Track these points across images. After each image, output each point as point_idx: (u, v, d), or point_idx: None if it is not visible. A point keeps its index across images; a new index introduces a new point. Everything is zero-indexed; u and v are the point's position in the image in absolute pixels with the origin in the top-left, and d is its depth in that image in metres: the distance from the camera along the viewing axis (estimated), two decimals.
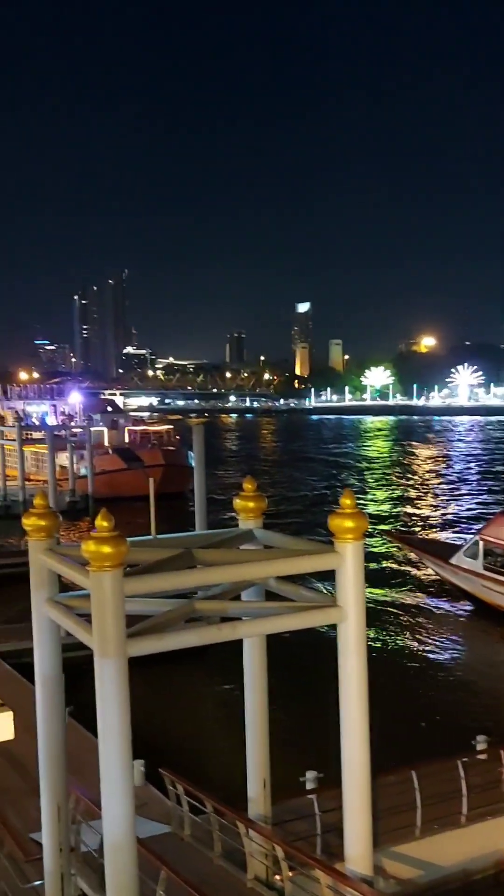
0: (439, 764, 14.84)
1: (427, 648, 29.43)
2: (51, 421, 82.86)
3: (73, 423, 78.50)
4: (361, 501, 66.85)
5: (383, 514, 62.10)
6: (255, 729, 12.57)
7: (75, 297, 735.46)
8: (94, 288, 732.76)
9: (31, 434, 72.15)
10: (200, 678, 25.45)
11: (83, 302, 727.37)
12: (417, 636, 30.89)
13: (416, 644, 29.97)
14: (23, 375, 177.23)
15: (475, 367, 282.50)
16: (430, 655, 28.68)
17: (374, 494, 73.54)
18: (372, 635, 30.26)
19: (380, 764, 12.95)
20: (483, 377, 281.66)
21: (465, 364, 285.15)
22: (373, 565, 42.19)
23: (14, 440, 67.67)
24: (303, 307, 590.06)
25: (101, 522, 8.67)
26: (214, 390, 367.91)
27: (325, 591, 11.90)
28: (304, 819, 13.30)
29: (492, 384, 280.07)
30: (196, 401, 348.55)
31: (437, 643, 30.01)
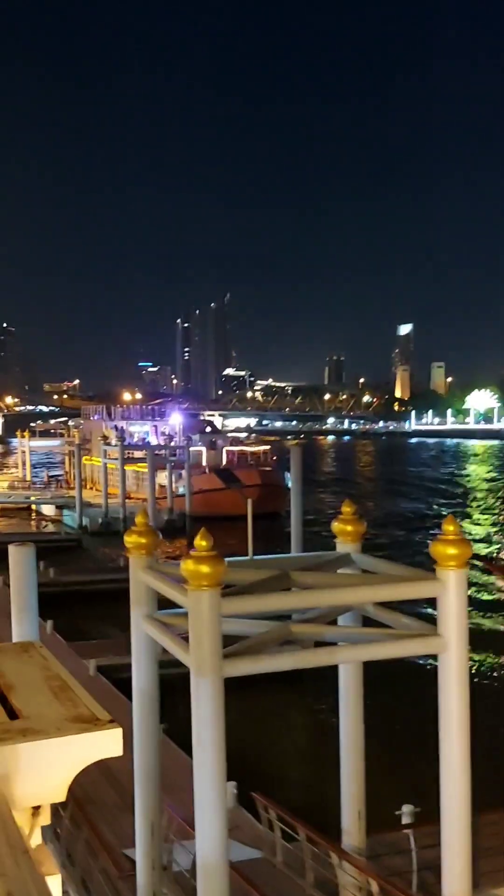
0: None
1: None
2: (152, 441, 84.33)
3: (172, 443, 79.69)
4: (464, 529, 65.37)
5: (487, 541, 60.52)
6: (350, 758, 12.30)
7: (178, 321, 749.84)
8: (197, 312, 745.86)
9: (132, 453, 73.57)
10: (295, 704, 25.21)
11: (185, 325, 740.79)
12: None
13: None
14: (126, 396, 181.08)
15: None
16: None
17: (476, 521, 71.79)
18: (474, 666, 29.39)
19: (481, 801, 12.49)
20: None
21: None
22: (475, 594, 41.13)
23: (116, 459, 69.12)
24: (405, 329, 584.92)
25: (200, 542, 8.67)
26: (312, 412, 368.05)
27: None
28: (399, 854, 12.93)
29: None
30: (294, 422, 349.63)
31: None
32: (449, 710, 10.09)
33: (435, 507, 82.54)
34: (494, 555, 54.41)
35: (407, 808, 14.51)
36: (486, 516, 76.39)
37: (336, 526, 12.14)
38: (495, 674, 29.20)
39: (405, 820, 14.28)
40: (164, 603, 10.47)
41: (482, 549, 56.88)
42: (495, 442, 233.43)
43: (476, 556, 52.82)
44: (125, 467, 69.11)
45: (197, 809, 8.75)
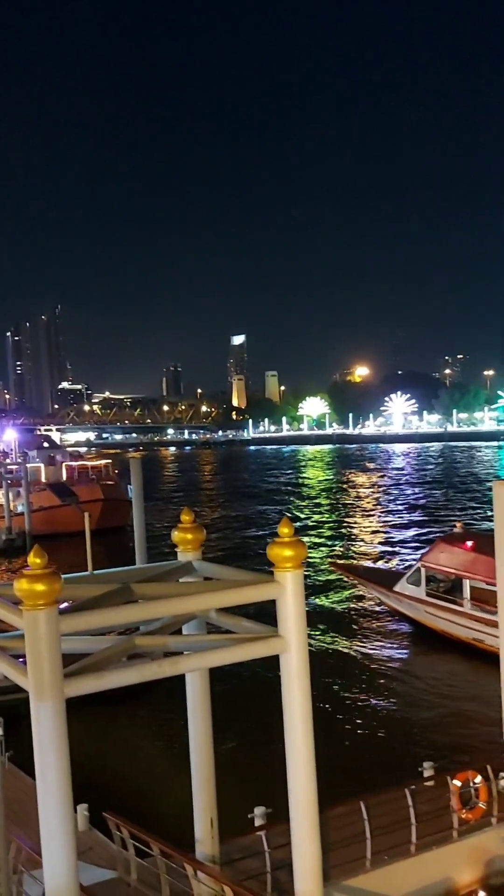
0: (387, 793, 14.72)
1: (372, 676, 29.40)
2: None
3: (8, 461, 77.22)
4: (303, 531, 67.00)
5: (325, 542, 62.25)
6: (200, 766, 12.32)
7: (7, 334, 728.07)
8: (27, 324, 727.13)
9: None
10: (147, 717, 24.99)
11: (16, 338, 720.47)
12: (362, 664, 30.87)
13: (360, 672, 29.92)
14: None
15: (408, 395, 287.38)
16: (375, 683, 28.64)
17: (315, 524, 73.71)
18: (316, 665, 30.10)
19: (328, 796, 12.80)
20: (416, 405, 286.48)
21: (398, 392, 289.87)
22: (317, 595, 42.17)
23: None
24: (238, 339, 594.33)
25: (34, 559, 8.42)
26: (152, 423, 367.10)
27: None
28: (253, 857, 13.04)
29: (424, 412, 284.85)
30: (134, 434, 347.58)
31: (382, 670, 30.01)
32: (292, 708, 10.30)
33: (275, 511, 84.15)
34: (336, 553, 56.08)
35: (259, 811, 14.67)
36: (325, 517, 78.62)
37: (176, 535, 12.15)
38: (336, 671, 30.04)
39: (258, 822, 14.43)
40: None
41: (325, 548, 58.53)
42: (328, 447, 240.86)
43: (320, 556, 54.29)
44: None
45: (43, 836, 8.48)
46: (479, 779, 15.12)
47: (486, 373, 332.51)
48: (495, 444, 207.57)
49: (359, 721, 25.06)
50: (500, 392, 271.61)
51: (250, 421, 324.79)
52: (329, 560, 50.24)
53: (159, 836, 13.02)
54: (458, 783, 14.93)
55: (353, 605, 39.89)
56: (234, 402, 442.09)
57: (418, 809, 14.20)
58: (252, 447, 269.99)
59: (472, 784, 15.07)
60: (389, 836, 13.87)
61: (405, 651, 32.89)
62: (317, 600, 41.02)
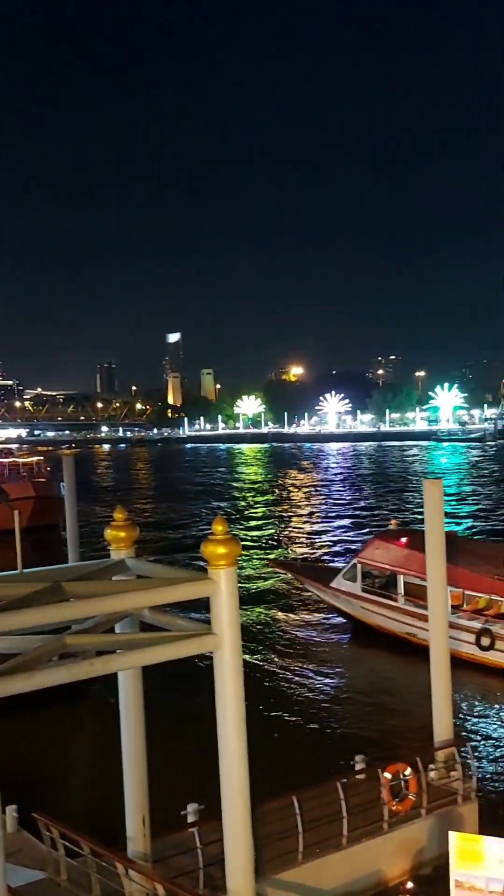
0: (320, 787, 14.87)
1: (307, 671, 29.65)
2: None
3: None
4: (240, 529, 67.19)
5: (263, 540, 62.51)
6: (132, 764, 12.28)
7: None
8: None
9: None
10: (79, 717, 24.75)
11: None
12: (298, 660, 31.10)
13: (296, 668, 30.15)
14: None
15: (342, 394, 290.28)
16: (310, 678, 28.91)
17: (252, 522, 73.94)
18: (252, 662, 30.29)
19: (261, 791, 12.89)
20: (350, 405, 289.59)
21: (333, 392, 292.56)
22: (254, 592, 42.33)
23: None
24: (173, 337, 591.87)
25: None
26: (85, 420, 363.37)
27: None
28: (185, 854, 13.04)
29: (358, 411, 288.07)
30: (67, 432, 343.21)
31: (317, 666, 30.29)
32: (225, 705, 10.36)
33: (211, 509, 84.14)
34: (274, 550, 56.32)
35: (192, 807, 14.66)
36: (262, 515, 78.96)
37: (109, 533, 12.09)
38: (270, 667, 30.22)
39: (190, 819, 14.43)
40: None
41: (262, 546, 58.78)
42: (263, 445, 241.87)
43: (257, 553, 54.50)
44: None
45: None
46: (408, 771, 15.39)
47: (417, 374, 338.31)
48: (426, 443, 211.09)
49: (293, 716, 25.26)
50: (431, 393, 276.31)
51: (186, 419, 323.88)
52: (267, 558, 50.46)
53: (91, 835, 12.94)
54: (388, 776, 15.17)
55: (290, 602, 40.15)
56: (170, 400, 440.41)
57: (350, 802, 14.38)
58: (188, 445, 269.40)
59: (402, 776, 15.33)
60: (321, 829, 14.02)
61: (340, 646, 33.26)
62: (253, 597, 41.16)
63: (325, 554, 55.80)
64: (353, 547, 52.99)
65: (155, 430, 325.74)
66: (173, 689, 25.39)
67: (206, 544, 10.32)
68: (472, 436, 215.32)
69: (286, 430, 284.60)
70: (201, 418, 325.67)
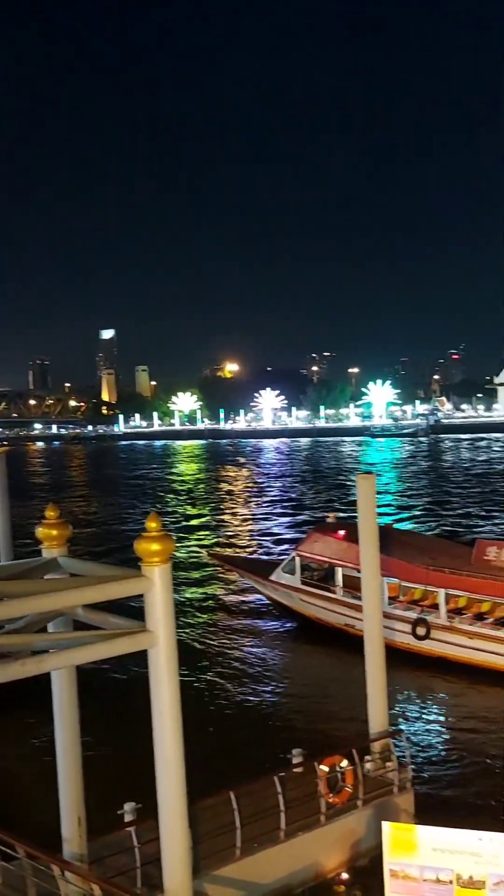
0: (257, 782, 14.88)
1: (245, 666, 29.69)
2: None
3: None
4: (179, 524, 66.97)
5: (202, 535, 62.42)
6: (67, 765, 12.11)
7: None
8: None
9: None
10: (10, 718, 24.32)
11: None
12: (235, 655, 31.13)
13: (234, 662, 30.17)
14: None
15: (277, 391, 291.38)
16: (249, 672, 28.95)
17: (191, 517, 73.81)
18: (188, 657, 30.19)
19: (199, 788, 12.85)
20: (285, 401, 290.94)
21: (268, 388, 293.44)
22: (193, 586, 42.27)
23: None
24: (107, 334, 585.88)
25: None
26: (18, 418, 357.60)
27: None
28: (123, 853, 12.92)
29: (293, 407, 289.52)
30: None
31: (256, 660, 30.37)
32: (160, 702, 10.28)
33: (147, 506, 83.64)
34: (213, 545, 56.21)
35: (129, 806, 14.53)
36: (200, 510, 78.81)
37: (41, 531, 11.88)
38: (208, 662, 30.18)
39: (127, 818, 14.29)
40: None
41: (201, 541, 58.66)
42: (200, 442, 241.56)
43: (196, 548, 54.40)
44: None
45: None
46: (345, 763, 15.51)
47: (351, 370, 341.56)
48: (360, 439, 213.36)
49: (230, 712, 25.26)
50: (364, 389, 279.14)
51: (121, 416, 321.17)
52: (207, 552, 50.41)
53: (26, 838, 12.71)
54: (325, 768, 15.27)
55: (229, 596, 40.22)
56: (105, 397, 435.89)
57: (287, 796, 14.43)
58: (123, 442, 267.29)
59: (338, 769, 15.44)
60: (259, 824, 14.04)
61: (279, 639, 33.41)
62: (192, 592, 41.13)
63: (264, 548, 55.99)
64: (291, 541, 53.23)
65: (90, 428, 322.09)
66: (109, 687, 25.20)
67: (139, 541, 10.21)
68: (405, 431, 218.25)
69: (222, 426, 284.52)
70: (136, 415, 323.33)
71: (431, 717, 24.63)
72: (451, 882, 10.42)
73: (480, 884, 10.27)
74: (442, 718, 24.72)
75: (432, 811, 16.07)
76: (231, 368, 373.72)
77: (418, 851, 10.61)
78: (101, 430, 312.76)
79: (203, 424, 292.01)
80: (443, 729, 23.88)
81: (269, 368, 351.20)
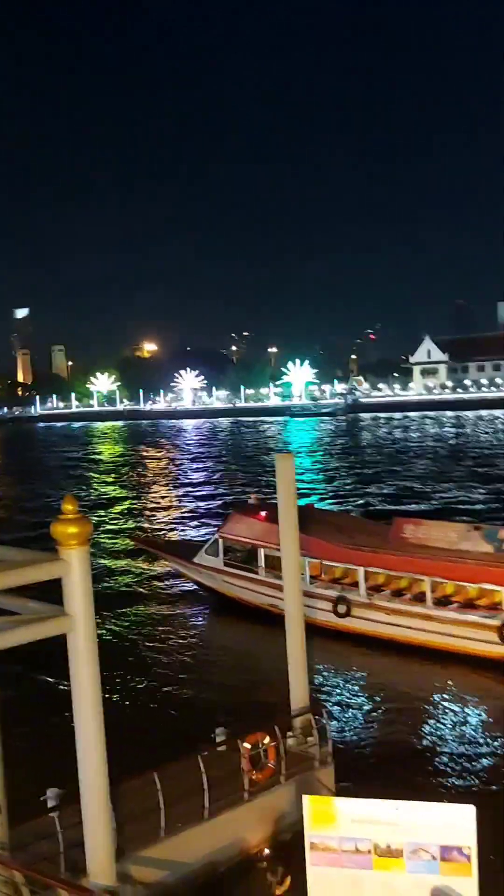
0: (181, 762, 14.94)
1: (168, 648, 29.68)
2: None
3: None
4: (99, 508, 66.31)
5: (123, 518, 61.98)
6: None
7: None
8: None
9: None
10: None
11: None
12: (158, 637, 31.10)
13: (157, 645, 30.14)
14: None
15: (197, 371, 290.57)
16: (171, 654, 28.96)
17: (111, 500, 73.09)
18: (110, 641, 30.06)
19: (122, 770, 12.83)
20: (205, 381, 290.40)
21: (188, 368, 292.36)
22: (113, 570, 41.97)
23: None
24: (21, 312, 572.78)
25: None
26: None
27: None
28: (46, 839, 12.81)
29: (214, 388, 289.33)
30: None
31: (178, 641, 30.38)
32: (80, 687, 10.20)
33: (66, 488, 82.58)
34: (135, 528, 55.83)
35: (52, 792, 14.40)
36: (121, 493, 78.17)
37: None
38: (131, 646, 30.08)
39: (50, 803, 14.18)
40: None
41: (122, 524, 58.22)
42: (119, 423, 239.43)
43: (117, 531, 53.98)
44: None
45: None
46: (267, 739, 15.68)
47: (270, 350, 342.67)
48: (280, 418, 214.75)
49: (154, 693, 25.24)
50: (283, 369, 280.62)
51: (38, 397, 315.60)
52: (129, 535, 50.03)
53: None
54: (248, 746, 15.41)
55: (151, 579, 40.05)
56: (20, 378, 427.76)
57: (211, 775, 14.52)
58: (40, 424, 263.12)
59: (261, 746, 15.60)
60: (183, 804, 14.10)
61: (203, 621, 33.50)
62: (114, 576, 40.84)
63: (187, 530, 55.92)
64: (213, 522, 53.29)
65: (5, 409, 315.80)
66: (29, 673, 24.90)
67: (55, 524, 10.08)
68: (324, 411, 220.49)
69: (142, 407, 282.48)
70: (54, 396, 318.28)
71: (352, 692, 25.09)
72: (369, 851, 10.66)
73: (398, 852, 10.54)
74: (361, 693, 25.21)
75: (353, 783, 16.40)
76: (150, 348, 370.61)
77: (337, 823, 10.81)
78: (16, 412, 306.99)
79: (122, 405, 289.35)
80: (362, 703, 24.36)
81: (188, 348, 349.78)
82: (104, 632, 31.66)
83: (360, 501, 64.20)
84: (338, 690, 25.11)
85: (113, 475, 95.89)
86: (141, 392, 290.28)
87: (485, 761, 19.98)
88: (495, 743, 21.07)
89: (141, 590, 38.45)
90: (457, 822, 10.36)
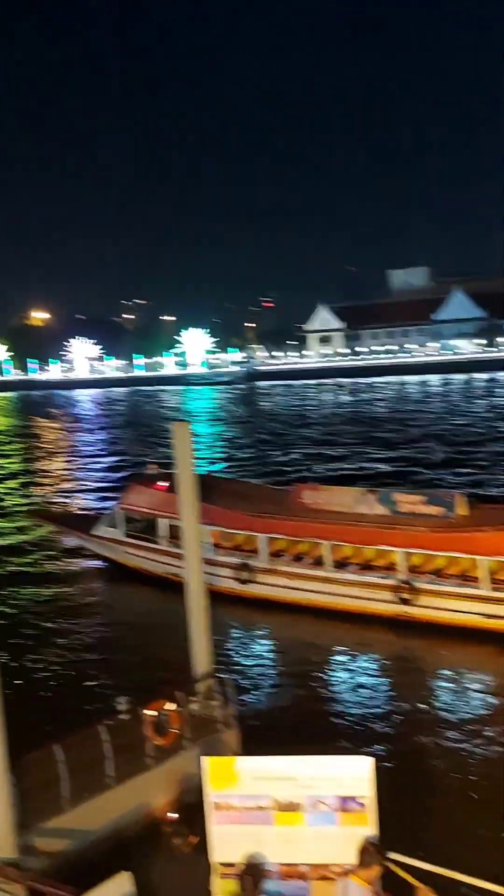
0: (83, 733, 14.91)
1: (68, 621, 29.43)
2: None
3: None
4: None
5: (18, 492, 60.73)
6: None
7: None
8: None
9: None
10: None
11: None
12: (59, 610, 30.79)
13: (57, 617, 29.84)
14: None
15: (93, 339, 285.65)
16: (72, 627, 28.74)
17: (4, 476, 71.41)
18: (6, 616, 29.66)
19: (22, 745, 12.77)
20: (101, 349, 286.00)
21: (80, 337, 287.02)
22: (11, 547, 41.21)
23: None
24: None
25: None
26: None
27: None
28: None
29: (108, 356, 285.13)
30: None
31: (79, 614, 30.17)
32: None
33: None
34: (32, 502, 54.80)
35: None
36: (14, 466, 76.53)
37: None
38: (31, 620, 29.73)
39: None
40: None
41: (18, 498, 57.05)
42: (9, 394, 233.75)
43: (13, 506, 52.93)
44: None
45: None
46: (170, 705, 15.83)
47: (166, 318, 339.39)
48: (178, 387, 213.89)
49: (53, 666, 25.04)
50: (178, 337, 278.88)
51: None
52: (27, 510, 49.12)
53: None
54: (151, 713, 15.52)
55: (50, 553, 39.44)
56: None
57: (114, 744, 14.58)
58: None
59: (164, 712, 15.74)
60: (87, 773, 14.11)
61: (103, 593, 33.30)
62: (10, 552, 40.08)
63: (85, 501, 55.32)
64: (114, 494, 52.91)
65: None
66: None
67: None
68: (222, 379, 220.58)
69: (34, 377, 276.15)
70: None
71: (255, 656, 25.53)
72: (270, 808, 10.94)
73: (298, 806, 10.86)
74: (265, 656, 25.69)
75: (256, 743, 16.73)
76: (40, 316, 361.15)
77: (238, 782, 11.05)
78: None
79: (12, 375, 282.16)
80: (266, 665, 24.84)
81: (81, 317, 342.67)
82: (2, 608, 31.21)
83: (261, 469, 64.75)
84: (241, 655, 25.50)
85: (4, 449, 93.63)
86: (34, 361, 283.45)
87: (383, 715, 20.73)
88: (393, 696, 21.89)
89: (40, 565, 37.92)
90: (354, 774, 10.71)
